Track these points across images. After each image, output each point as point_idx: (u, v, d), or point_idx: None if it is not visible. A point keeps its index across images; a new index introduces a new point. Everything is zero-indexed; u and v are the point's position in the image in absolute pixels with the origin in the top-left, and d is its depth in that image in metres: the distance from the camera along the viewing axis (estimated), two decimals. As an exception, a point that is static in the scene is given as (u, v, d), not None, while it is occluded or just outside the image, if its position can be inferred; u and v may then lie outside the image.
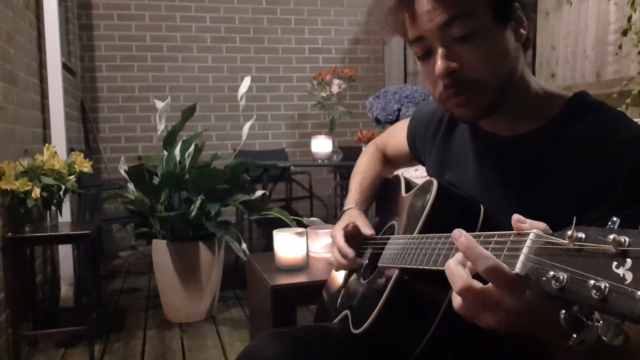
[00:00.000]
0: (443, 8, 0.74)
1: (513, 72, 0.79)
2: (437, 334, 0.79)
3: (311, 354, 0.90)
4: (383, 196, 1.20)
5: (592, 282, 0.46)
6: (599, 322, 0.48)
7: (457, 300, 0.62)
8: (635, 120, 0.79)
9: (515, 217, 0.60)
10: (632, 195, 0.70)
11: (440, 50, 0.76)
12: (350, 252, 1.04)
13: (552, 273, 0.50)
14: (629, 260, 0.45)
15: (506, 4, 0.76)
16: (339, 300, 1.08)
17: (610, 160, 0.72)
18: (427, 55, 0.80)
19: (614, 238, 0.46)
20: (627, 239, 0.45)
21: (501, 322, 0.59)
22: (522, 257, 0.56)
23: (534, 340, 0.62)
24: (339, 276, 1.18)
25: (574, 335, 0.55)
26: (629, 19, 2.51)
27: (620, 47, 2.66)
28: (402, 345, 0.82)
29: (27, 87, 2.74)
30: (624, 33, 2.53)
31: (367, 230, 1.06)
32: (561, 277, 0.49)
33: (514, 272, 0.56)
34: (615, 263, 0.45)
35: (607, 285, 0.45)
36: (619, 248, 0.45)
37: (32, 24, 2.93)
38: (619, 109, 0.83)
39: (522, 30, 0.79)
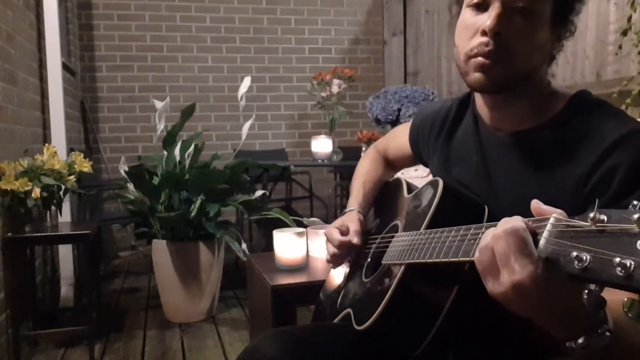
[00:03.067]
0: None
1: (537, 69, 0.82)
2: (440, 331, 0.79)
3: (313, 353, 0.90)
4: (384, 198, 1.20)
5: (617, 259, 0.46)
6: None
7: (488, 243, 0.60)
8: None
9: (535, 202, 0.60)
10: (628, 190, 0.71)
11: (499, 9, 0.78)
12: (346, 239, 1.06)
13: (574, 254, 0.50)
14: None
15: (564, 18, 0.81)
16: (338, 300, 1.08)
17: (611, 152, 0.74)
18: (480, 6, 0.81)
19: (639, 217, 0.46)
20: None
21: (516, 289, 0.57)
22: (542, 241, 0.55)
23: (537, 339, 0.62)
24: (337, 277, 1.18)
25: (580, 341, 0.55)
26: (629, 19, 2.51)
27: (620, 47, 2.65)
28: (406, 342, 0.83)
29: (27, 87, 2.74)
30: (624, 33, 2.52)
31: (355, 238, 1.06)
32: (584, 257, 0.50)
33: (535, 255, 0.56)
34: (639, 242, 0.46)
35: (632, 262, 0.45)
36: None
37: (32, 24, 2.93)
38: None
39: (557, 44, 0.84)
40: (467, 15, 0.83)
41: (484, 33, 0.78)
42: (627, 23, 2.51)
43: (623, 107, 2.44)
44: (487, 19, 0.78)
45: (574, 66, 3.15)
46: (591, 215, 0.51)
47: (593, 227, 0.50)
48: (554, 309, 0.56)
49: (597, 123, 0.78)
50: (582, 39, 3.07)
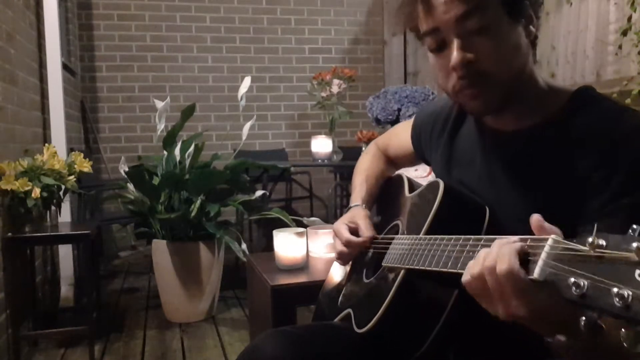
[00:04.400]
0: (460, 0, 0.75)
1: (523, 68, 0.81)
2: (440, 334, 0.79)
3: (313, 353, 0.89)
4: (385, 195, 1.19)
5: (615, 289, 0.45)
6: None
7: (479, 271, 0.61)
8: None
9: (536, 217, 0.59)
10: (633, 185, 0.70)
11: (456, 42, 0.77)
12: (357, 240, 1.04)
13: (572, 279, 0.50)
14: None
15: (518, 1, 0.78)
16: (339, 299, 1.08)
17: (612, 150, 0.73)
18: (441, 48, 0.80)
19: (637, 246, 0.45)
20: None
21: (510, 313, 0.59)
22: (540, 263, 0.55)
23: (535, 340, 0.62)
24: (338, 276, 1.17)
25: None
26: (629, 19, 2.51)
27: (620, 47, 2.65)
28: (406, 344, 0.83)
29: (27, 87, 2.74)
30: (624, 33, 2.52)
31: (367, 232, 1.04)
32: (582, 283, 0.49)
33: (530, 277, 0.56)
34: (638, 271, 0.45)
35: (630, 293, 0.44)
36: None
37: (32, 24, 2.93)
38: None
39: (532, 28, 0.81)
40: (435, 60, 0.82)
41: (455, 70, 0.78)
42: (627, 23, 2.51)
43: (623, 107, 2.44)
44: (451, 56, 0.77)
45: (574, 66, 3.15)
46: (590, 239, 0.50)
47: (592, 252, 0.49)
48: (552, 326, 0.57)
49: (600, 119, 0.77)
50: (582, 39, 3.07)
